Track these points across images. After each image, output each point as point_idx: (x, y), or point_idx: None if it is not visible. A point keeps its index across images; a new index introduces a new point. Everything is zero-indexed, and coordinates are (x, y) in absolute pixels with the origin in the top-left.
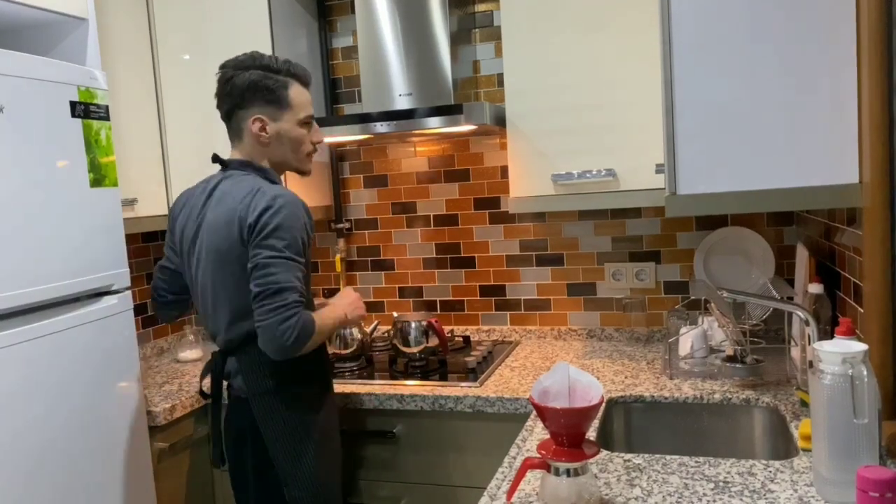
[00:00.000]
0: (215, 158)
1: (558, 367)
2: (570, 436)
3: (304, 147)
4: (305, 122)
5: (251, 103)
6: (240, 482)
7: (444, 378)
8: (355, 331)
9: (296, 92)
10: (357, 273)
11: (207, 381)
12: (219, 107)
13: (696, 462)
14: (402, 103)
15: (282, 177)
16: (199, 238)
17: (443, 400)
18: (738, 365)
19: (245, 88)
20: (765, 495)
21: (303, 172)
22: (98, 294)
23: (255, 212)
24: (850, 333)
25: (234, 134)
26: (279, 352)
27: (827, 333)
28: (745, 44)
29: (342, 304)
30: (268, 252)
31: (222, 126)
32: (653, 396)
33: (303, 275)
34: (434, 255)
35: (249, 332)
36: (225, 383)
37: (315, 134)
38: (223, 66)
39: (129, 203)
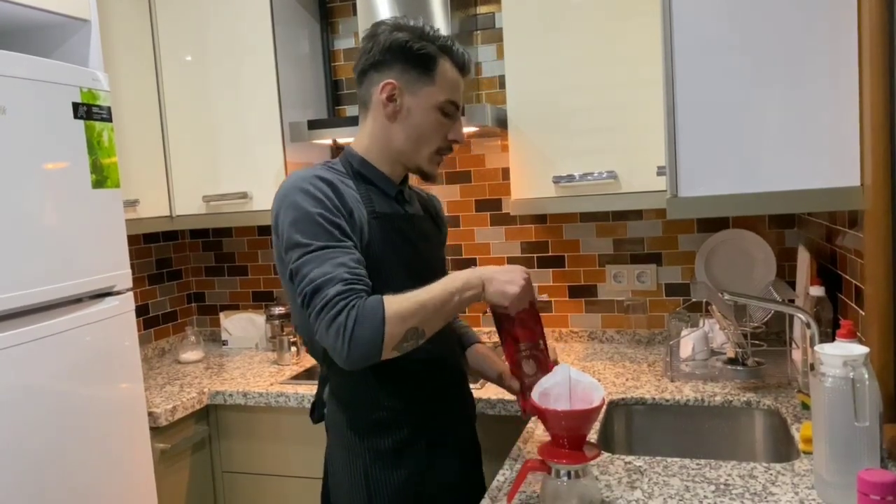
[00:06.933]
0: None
1: (559, 369)
2: (571, 438)
3: (432, 141)
4: (445, 112)
5: (390, 65)
6: None
7: None
8: None
9: (447, 69)
10: None
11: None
12: (355, 68)
13: (697, 464)
14: None
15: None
16: None
17: None
18: (739, 367)
19: (387, 47)
20: (766, 498)
21: (425, 175)
22: (100, 295)
23: (272, 212)
24: (852, 336)
25: (361, 106)
26: (347, 362)
27: (828, 336)
28: (747, 45)
29: (480, 272)
30: (297, 252)
31: (223, 126)
32: (654, 399)
33: (356, 257)
34: None
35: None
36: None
37: (455, 130)
38: (374, 24)
39: (131, 204)
